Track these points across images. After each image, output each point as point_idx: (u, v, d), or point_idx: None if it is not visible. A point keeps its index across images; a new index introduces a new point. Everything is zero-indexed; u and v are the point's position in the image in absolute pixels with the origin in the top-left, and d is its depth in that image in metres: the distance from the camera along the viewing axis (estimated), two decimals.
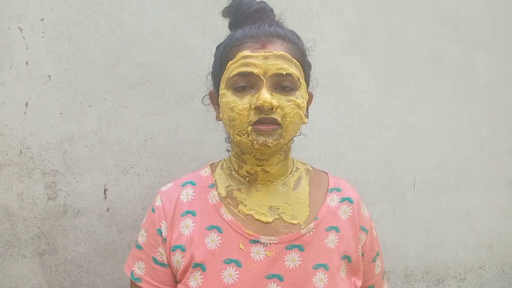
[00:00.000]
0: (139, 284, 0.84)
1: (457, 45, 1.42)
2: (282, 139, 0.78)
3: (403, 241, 1.39)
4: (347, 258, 0.84)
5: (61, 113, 1.04)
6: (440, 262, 1.44)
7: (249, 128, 0.76)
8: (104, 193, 1.08)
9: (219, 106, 0.83)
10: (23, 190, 1.02)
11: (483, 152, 1.48)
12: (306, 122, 0.85)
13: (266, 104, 0.74)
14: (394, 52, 1.35)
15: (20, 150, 1.02)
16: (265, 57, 0.76)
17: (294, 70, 0.77)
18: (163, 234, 0.83)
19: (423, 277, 1.42)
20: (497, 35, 1.48)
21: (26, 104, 1.02)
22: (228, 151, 0.91)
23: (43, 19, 1.02)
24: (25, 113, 1.02)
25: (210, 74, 0.89)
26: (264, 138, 0.76)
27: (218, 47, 0.86)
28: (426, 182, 1.41)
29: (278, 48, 0.77)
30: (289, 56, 0.77)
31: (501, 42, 1.48)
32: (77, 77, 1.04)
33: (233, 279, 0.78)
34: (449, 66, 1.42)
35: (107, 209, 1.09)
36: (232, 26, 0.86)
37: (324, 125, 1.28)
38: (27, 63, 1.01)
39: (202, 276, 0.78)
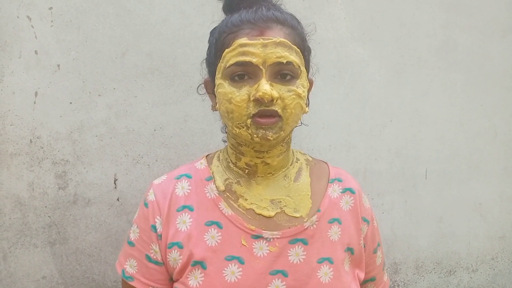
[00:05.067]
0: (131, 283, 0.80)
1: (470, 33, 1.40)
2: (282, 132, 0.75)
3: (414, 232, 1.37)
4: (350, 250, 0.81)
5: (71, 103, 1.04)
6: (452, 253, 1.42)
7: (249, 121, 0.73)
8: (114, 183, 1.08)
9: (215, 95, 0.79)
10: (33, 180, 1.02)
11: (496, 143, 1.46)
12: (307, 111, 0.80)
13: (266, 96, 0.70)
14: (406, 40, 1.32)
15: (30, 140, 1.02)
16: (264, 45, 0.72)
17: (294, 57, 0.74)
18: (158, 230, 0.79)
19: (434, 268, 1.41)
20: (511, 23, 1.45)
21: (36, 94, 1.01)
22: (224, 141, 0.88)
23: (51, 7, 1.01)
24: (34, 102, 1.02)
25: (205, 61, 0.84)
26: (264, 132, 0.73)
27: (212, 32, 0.82)
28: (437, 173, 1.39)
29: (277, 35, 0.73)
30: (289, 42, 0.73)
31: None
32: (86, 66, 1.04)
33: (235, 277, 0.74)
34: (462, 54, 1.39)
35: (117, 199, 1.09)
36: (227, 10, 0.82)
37: (334, 115, 1.26)
38: (36, 52, 1.01)
39: (202, 274, 0.75)
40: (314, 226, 0.80)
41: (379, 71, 1.30)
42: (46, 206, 1.04)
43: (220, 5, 1.11)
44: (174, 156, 1.12)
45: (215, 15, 1.11)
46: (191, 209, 0.80)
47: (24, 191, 1.02)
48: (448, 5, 1.36)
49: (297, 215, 0.80)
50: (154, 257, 0.80)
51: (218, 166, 0.84)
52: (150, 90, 1.09)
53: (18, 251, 1.03)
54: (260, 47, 0.72)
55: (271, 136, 0.73)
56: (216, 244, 0.77)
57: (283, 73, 0.73)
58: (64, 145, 1.04)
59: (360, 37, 1.27)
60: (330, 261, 0.78)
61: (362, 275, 0.84)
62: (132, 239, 0.82)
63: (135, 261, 0.81)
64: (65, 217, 1.05)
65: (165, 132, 1.11)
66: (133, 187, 1.09)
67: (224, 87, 0.74)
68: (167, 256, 0.78)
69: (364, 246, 0.85)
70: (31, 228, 1.03)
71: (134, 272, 0.80)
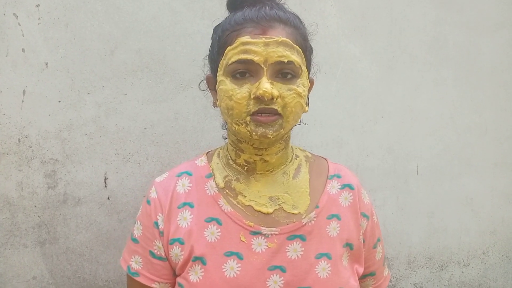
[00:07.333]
0: (137, 278, 0.82)
1: (461, 29, 1.40)
2: (282, 130, 0.76)
3: (406, 227, 1.38)
4: (349, 245, 0.82)
5: (59, 101, 1.03)
6: (443, 248, 1.43)
7: (248, 118, 0.74)
8: (105, 182, 1.07)
9: (216, 91, 0.80)
10: (22, 179, 1.01)
11: (487, 138, 1.46)
12: (307, 111, 0.82)
13: (267, 94, 0.71)
14: (397, 36, 1.32)
15: (19, 139, 1.01)
16: (266, 44, 0.73)
17: (295, 57, 0.75)
18: (160, 227, 0.81)
19: (426, 263, 1.41)
20: (502, 19, 1.45)
21: (24, 92, 1.00)
22: (224, 138, 0.89)
23: (38, 5, 1.00)
24: (22, 101, 1.00)
25: (207, 57, 0.85)
26: (263, 129, 0.74)
27: (215, 29, 0.83)
28: (429, 168, 1.39)
29: (279, 34, 0.74)
30: (290, 42, 0.74)
31: (506, 26, 1.46)
32: (74, 64, 1.03)
33: (234, 272, 0.76)
34: (452, 50, 1.39)
35: (108, 198, 1.08)
36: (231, 7, 0.83)
37: (326, 112, 1.26)
38: (23, 50, 0.99)
39: (202, 270, 0.76)
40: (312, 222, 0.81)
41: (370, 67, 1.30)
42: (35, 206, 1.03)
43: (211, 1, 1.11)
44: (165, 154, 1.11)
45: (205, 12, 1.11)
46: (191, 206, 0.81)
47: (13, 191, 1.01)
48: (439, 1, 1.36)
49: (295, 211, 0.81)
50: (158, 253, 0.81)
51: (218, 163, 0.86)
52: (139, 87, 1.08)
53: (7, 251, 1.02)
54: (262, 46, 0.73)
55: (271, 134, 0.75)
56: (216, 240, 0.78)
57: (284, 72, 0.75)
58: (53, 144, 1.03)
59: (351, 33, 1.27)
60: (328, 256, 0.79)
61: (361, 270, 0.85)
62: (136, 236, 0.84)
63: (140, 257, 0.83)
64: (55, 216, 1.04)
65: (155, 130, 1.10)
66: (123, 185, 1.08)
67: (225, 84, 0.75)
68: (169, 252, 0.80)
69: (364, 241, 0.86)
70: (21, 228, 1.02)
71: (140, 268, 0.82)
